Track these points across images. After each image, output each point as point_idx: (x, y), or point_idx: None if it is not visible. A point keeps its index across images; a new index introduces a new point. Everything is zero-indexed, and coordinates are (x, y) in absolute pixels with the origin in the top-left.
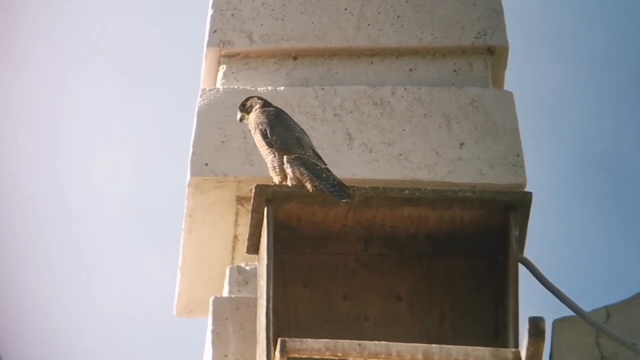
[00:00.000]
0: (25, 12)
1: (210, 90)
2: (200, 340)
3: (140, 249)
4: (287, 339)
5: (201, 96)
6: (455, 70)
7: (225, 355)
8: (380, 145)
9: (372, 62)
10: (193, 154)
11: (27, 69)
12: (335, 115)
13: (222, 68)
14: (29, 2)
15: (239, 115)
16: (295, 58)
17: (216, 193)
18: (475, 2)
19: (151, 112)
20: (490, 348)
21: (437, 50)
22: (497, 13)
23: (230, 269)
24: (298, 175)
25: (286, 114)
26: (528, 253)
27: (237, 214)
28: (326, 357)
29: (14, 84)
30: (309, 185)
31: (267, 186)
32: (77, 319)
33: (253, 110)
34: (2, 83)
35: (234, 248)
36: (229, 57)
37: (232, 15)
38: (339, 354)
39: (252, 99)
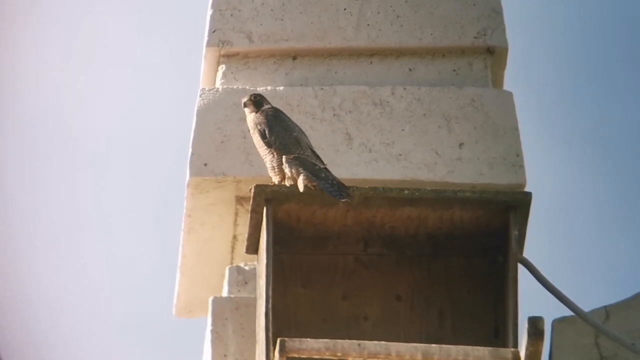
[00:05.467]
0: (22, 12)
1: (209, 90)
2: (200, 340)
3: (140, 249)
4: (286, 339)
5: (200, 96)
6: (454, 70)
7: (225, 355)
8: (380, 145)
9: (371, 62)
10: (192, 154)
11: (26, 68)
12: (334, 115)
13: (222, 68)
14: (25, 2)
15: (245, 99)
16: (294, 58)
17: (215, 193)
18: (474, 2)
19: (150, 111)
20: (489, 348)
21: (436, 50)
22: (497, 13)
23: (230, 269)
24: (296, 175)
25: (284, 114)
26: (528, 253)
27: (236, 214)
28: (325, 357)
29: (13, 82)
30: (301, 185)
31: (267, 186)
32: (77, 319)
33: (260, 110)
34: (2, 82)
35: (233, 248)
36: (228, 57)
37: (231, 15)
38: (339, 354)
39: (263, 98)
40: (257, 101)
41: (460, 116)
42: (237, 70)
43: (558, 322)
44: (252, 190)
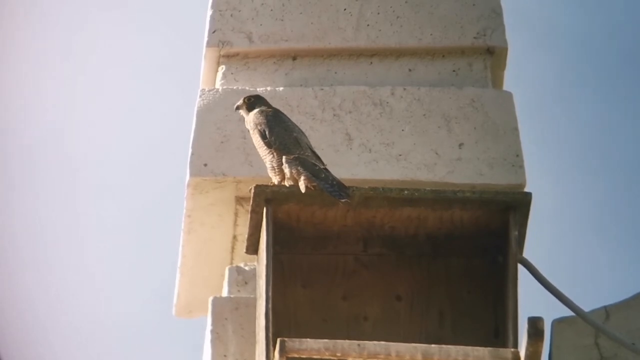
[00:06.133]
0: (22, 13)
1: (209, 91)
2: (200, 341)
3: (140, 249)
4: (286, 339)
5: (200, 96)
6: (454, 71)
7: (225, 356)
8: (380, 146)
9: (371, 63)
10: (192, 154)
11: (26, 69)
12: (334, 115)
13: (222, 68)
14: (25, 2)
15: (239, 102)
16: (294, 58)
17: (215, 193)
18: (474, 3)
19: (150, 111)
20: (489, 348)
21: (436, 51)
22: (497, 13)
23: (230, 269)
24: (296, 175)
25: (284, 115)
26: (527, 253)
27: (236, 214)
28: (325, 357)
29: (14, 85)
30: (303, 185)
31: (267, 186)
32: (77, 319)
33: (254, 110)
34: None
35: (233, 248)
36: (228, 58)
37: (231, 15)
38: (338, 354)
39: (259, 100)
40: (251, 103)
41: (460, 116)
42: (237, 70)
43: (558, 322)
44: (252, 191)
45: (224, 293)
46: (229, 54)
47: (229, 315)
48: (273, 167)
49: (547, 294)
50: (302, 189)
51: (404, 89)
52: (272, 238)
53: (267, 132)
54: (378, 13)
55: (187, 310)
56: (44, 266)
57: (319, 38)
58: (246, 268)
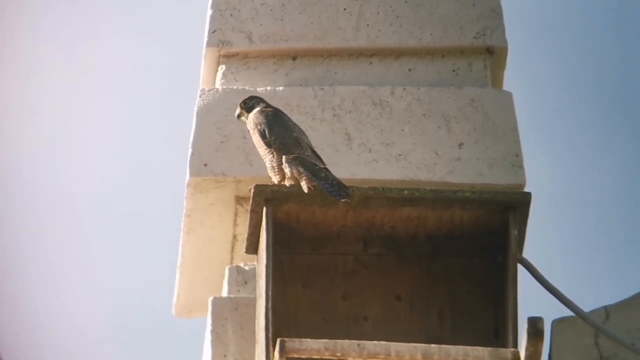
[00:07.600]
0: (24, 13)
1: (209, 91)
2: (200, 341)
3: (139, 249)
4: (286, 339)
5: (200, 96)
6: (454, 71)
7: (225, 356)
8: (380, 146)
9: (371, 62)
10: (192, 154)
11: (26, 68)
12: (334, 115)
13: (222, 68)
14: (27, 3)
15: (238, 110)
16: (294, 58)
17: (215, 193)
18: (474, 2)
19: (150, 111)
20: (489, 348)
21: (436, 51)
22: (497, 13)
23: (230, 269)
24: (296, 175)
25: (284, 114)
26: (527, 253)
27: (236, 214)
28: (325, 357)
29: (16, 84)
30: (305, 186)
31: (266, 186)
32: (77, 319)
33: (254, 110)
34: (3, 80)
35: (233, 248)
36: (228, 57)
37: (231, 15)
38: (338, 354)
39: (254, 99)
40: (248, 107)
41: (459, 116)
42: (237, 70)
43: (558, 322)
44: (252, 190)
45: (224, 293)
46: (228, 54)
47: (228, 315)
48: (273, 166)
49: (547, 294)
50: (305, 189)
51: (404, 88)
52: (272, 238)
53: (266, 132)
54: (378, 13)
55: (187, 310)
56: (44, 266)
57: (319, 38)
58: (246, 268)
